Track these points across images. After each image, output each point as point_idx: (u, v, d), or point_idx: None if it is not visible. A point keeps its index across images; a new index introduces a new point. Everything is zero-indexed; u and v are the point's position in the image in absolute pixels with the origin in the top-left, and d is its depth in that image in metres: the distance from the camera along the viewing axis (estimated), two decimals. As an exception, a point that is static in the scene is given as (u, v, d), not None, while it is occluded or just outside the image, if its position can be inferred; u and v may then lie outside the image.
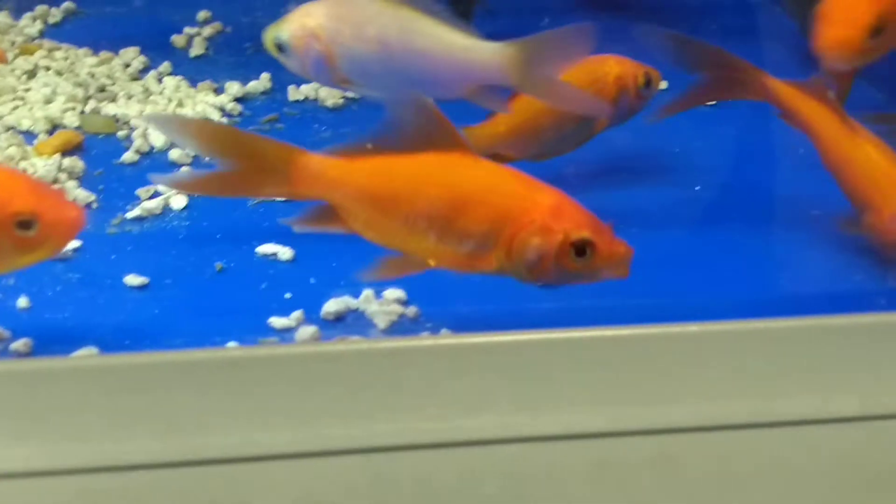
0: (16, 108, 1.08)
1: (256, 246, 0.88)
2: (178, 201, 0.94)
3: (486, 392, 0.63)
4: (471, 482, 0.62)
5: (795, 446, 0.64)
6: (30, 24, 1.26)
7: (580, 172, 1.00)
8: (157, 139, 1.03)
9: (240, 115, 1.10)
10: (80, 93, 1.10)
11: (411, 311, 0.82)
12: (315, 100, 1.12)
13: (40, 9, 1.28)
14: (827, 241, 0.91)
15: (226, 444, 0.61)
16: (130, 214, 0.93)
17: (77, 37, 1.23)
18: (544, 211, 0.73)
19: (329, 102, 1.12)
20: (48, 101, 1.09)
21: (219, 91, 1.13)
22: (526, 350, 0.65)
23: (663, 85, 1.03)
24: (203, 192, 0.86)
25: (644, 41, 0.94)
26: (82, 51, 1.19)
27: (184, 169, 0.99)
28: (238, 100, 1.12)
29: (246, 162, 0.75)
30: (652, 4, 1.36)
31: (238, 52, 1.21)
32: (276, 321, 0.80)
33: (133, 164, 1.01)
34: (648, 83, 0.95)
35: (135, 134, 1.04)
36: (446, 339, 0.74)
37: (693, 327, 0.66)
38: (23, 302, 0.82)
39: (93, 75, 1.14)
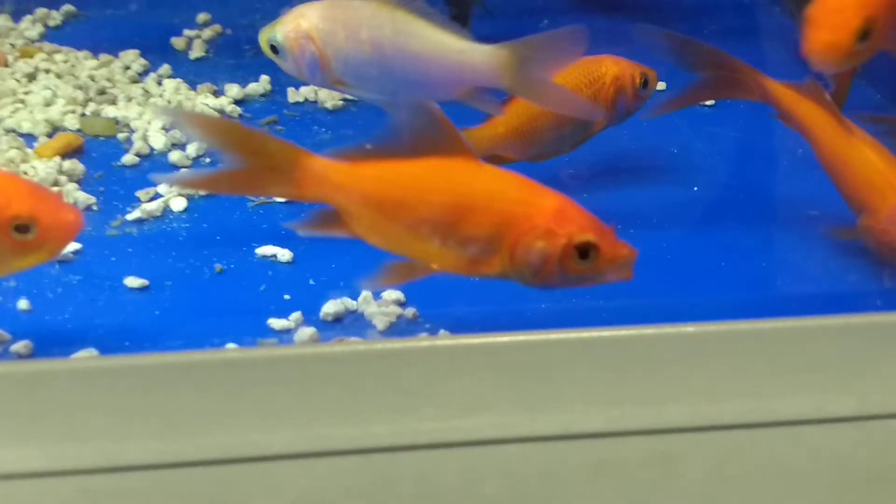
0: (16, 110, 1.08)
1: (256, 248, 0.89)
2: (178, 203, 0.94)
3: (485, 392, 0.64)
4: (470, 482, 0.62)
5: (792, 446, 0.64)
6: (30, 27, 1.26)
7: (578, 173, 1.00)
8: (157, 141, 1.03)
9: (239, 117, 1.10)
10: (80, 95, 1.10)
11: (410, 312, 0.82)
12: (314, 102, 1.13)
13: (40, 11, 1.29)
14: (824, 241, 0.91)
15: (225, 445, 0.61)
16: (130, 216, 0.93)
17: (77, 39, 1.23)
18: (548, 215, 0.73)
19: (328, 104, 1.12)
20: (48, 103, 1.09)
21: (218, 93, 1.14)
22: (524, 351, 0.65)
23: (661, 86, 1.03)
24: (206, 189, 0.86)
25: (642, 40, 0.94)
26: (82, 53, 1.20)
27: (183, 171, 0.99)
28: (237, 102, 1.12)
29: (252, 159, 0.75)
30: (651, 5, 1.37)
31: (238, 55, 1.22)
32: (276, 322, 0.81)
33: (133, 166, 1.01)
34: (645, 83, 0.95)
35: (135, 136, 1.05)
36: (444, 340, 0.75)
37: (690, 328, 0.66)
38: (23, 304, 0.82)
39: (93, 78, 1.15)
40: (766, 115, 0.96)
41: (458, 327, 0.81)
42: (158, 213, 0.93)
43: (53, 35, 1.26)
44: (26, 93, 1.12)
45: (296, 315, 0.81)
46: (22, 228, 0.72)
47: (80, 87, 1.12)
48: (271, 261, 0.88)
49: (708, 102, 1.12)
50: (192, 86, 1.14)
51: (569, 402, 0.64)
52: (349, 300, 0.83)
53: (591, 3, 1.35)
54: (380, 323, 0.81)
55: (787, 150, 1.03)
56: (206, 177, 0.80)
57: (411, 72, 0.86)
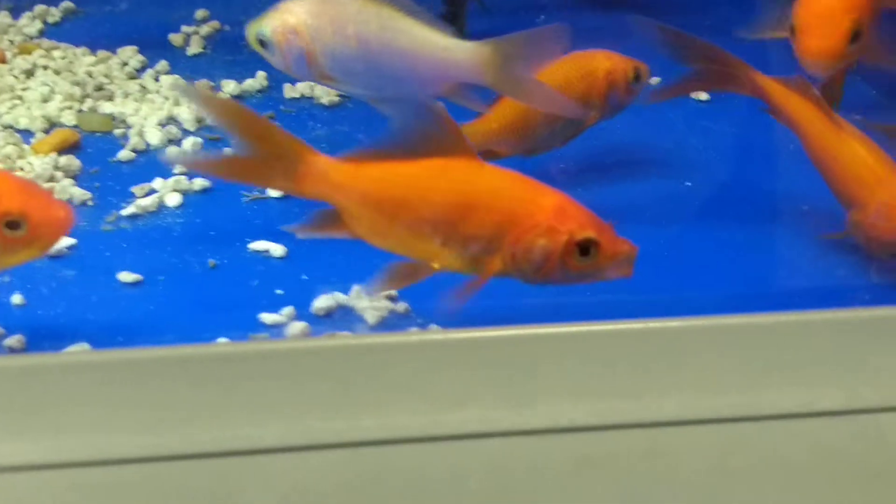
0: (14, 107, 1.09)
1: (249, 243, 0.89)
2: (173, 199, 0.95)
3: (475, 386, 0.64)
4: (459, 476, 0.62)
5: (782, 440, 0.64)
6: (29, 24, 1.26)
7: (572, 168, 1.00)
8: (154, 137, 1.04)
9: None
10: (77, 91, 1.10)
11: (401, 306, 0.83)
12: (311, 98, 1.13)
13: (39, 8, 1.29)
14: (815, 236, 0.91)
15: (216, 438, 0.62)
16: (125, 212, 0.93)
17: (75, 36, 1.23)
18: (548, 212, 0.73)
19: (325, 100, 1.12)
20: (46, 99, 1.10)
21: (215, 89, 1.14)
22: (513, 345, 0.66)
23: (655, 80, 1.04)
24: (213, 173, 0.86)
25: (637, 33, 0.95)
26: (80, 50, 1.20)
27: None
28: (234, 98, 1.12)
29: (258, 146, 0.75)
30: (647, 1, 1.37)
31: (235, 51, 1.22)
32: (267, 317, 0.81)
33: (129, 161, 1.01)
34: (638, 77, 0.96)
35: (131, 132, 1.05)
36: (433, 334, 0.75)
37: (680, 322, 0.67)
38: (17, 299, 0.82)
39: (90, 74, 1.15)
40: (760, 111, 0.96)
41: (449, 322, 0.81)
42: (153, 209, 0.94)
43: (52, 31, 1.26)
44: (24, 89, 1.12)
45: (288, 310, 0.81)
46: (12, 225, 0.73)
47: (77, 84, 1.12)
48: (264, 256, 0.88)
49: (703, 97, 1.12)
50: (190, 82, 1.14)
51: (556, 396, 0.64)
52: (341, 295, 0.83)
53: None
54: (371, 318, 0.81)
55: (780, 145, 1.03)
56: (214, 160, 0.81)
57: (396, 67, 0.87)
